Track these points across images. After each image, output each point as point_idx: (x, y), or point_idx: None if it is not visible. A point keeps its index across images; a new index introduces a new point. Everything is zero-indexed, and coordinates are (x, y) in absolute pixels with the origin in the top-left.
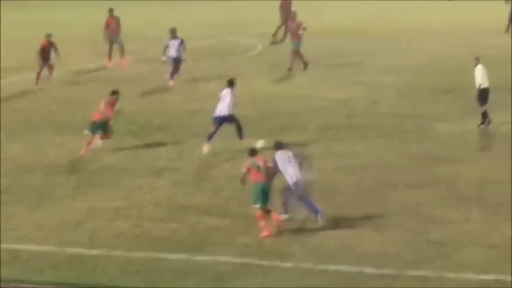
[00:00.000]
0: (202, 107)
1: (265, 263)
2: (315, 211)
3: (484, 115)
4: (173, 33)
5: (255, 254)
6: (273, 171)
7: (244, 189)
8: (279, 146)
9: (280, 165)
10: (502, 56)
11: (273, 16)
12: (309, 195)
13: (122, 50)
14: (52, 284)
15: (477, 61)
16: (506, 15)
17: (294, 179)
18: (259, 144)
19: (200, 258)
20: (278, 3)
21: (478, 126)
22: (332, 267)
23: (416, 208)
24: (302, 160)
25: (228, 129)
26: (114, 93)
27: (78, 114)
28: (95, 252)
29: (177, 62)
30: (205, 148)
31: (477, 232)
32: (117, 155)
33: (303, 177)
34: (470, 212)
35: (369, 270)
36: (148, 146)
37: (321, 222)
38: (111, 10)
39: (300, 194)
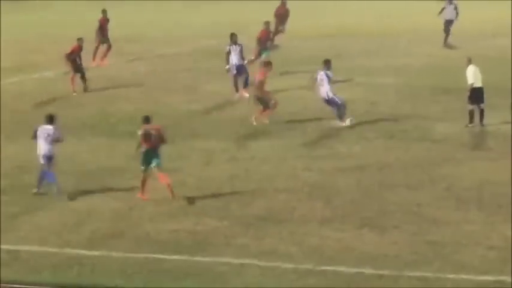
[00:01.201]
0: (202, 107)
1: (264, 263)
2: None
3: (471, 114)
4: (234, 39)
5: (254, 255)
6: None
7: (244, 190)
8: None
9: None
10: (502, 57)
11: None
12: None
13: (109, 50)
14: (52, 285)
15: (469, 61)
16: (507, 15)
17: None
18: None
19: (199, 259)
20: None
21: (466, 126)
22: (331, 268)
23: (416, 209)
24: None
25: (228, 129)
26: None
27: (77, 115)
28: (94, 253)
29: (240, 69)
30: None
31: (476, 233)
32: (116, 155)
33: None
34: (469, 213)
35: (368, 271)
36: None
37: None
38: (104, 11)
39: None
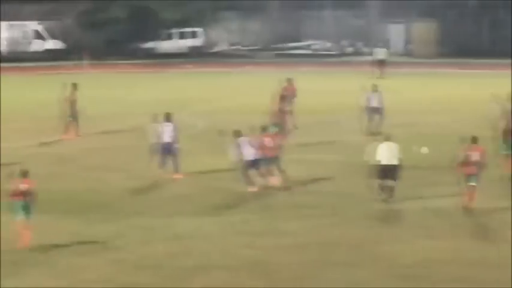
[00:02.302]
0: (142, 184)
1: None
2: None
3: (382, 189)
4: (167, 117)
5: None
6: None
7: (184, 267)
8: None
9: None
10: (439, 133)
11: (213, 94)
12: None
13: (77, 124)
14: None
15: (386, 138)
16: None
17: None
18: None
19: None
20: (218, 81)
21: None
22: None
23: (357, 287)
24: None
25: (168, 207)
26: None
27: None
28: None
29: (168, 149)
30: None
31: None
32: (55, 233)
33: None
34: None
35: None
36: (87, 224)
37: None
38: (75, 85)
39: None
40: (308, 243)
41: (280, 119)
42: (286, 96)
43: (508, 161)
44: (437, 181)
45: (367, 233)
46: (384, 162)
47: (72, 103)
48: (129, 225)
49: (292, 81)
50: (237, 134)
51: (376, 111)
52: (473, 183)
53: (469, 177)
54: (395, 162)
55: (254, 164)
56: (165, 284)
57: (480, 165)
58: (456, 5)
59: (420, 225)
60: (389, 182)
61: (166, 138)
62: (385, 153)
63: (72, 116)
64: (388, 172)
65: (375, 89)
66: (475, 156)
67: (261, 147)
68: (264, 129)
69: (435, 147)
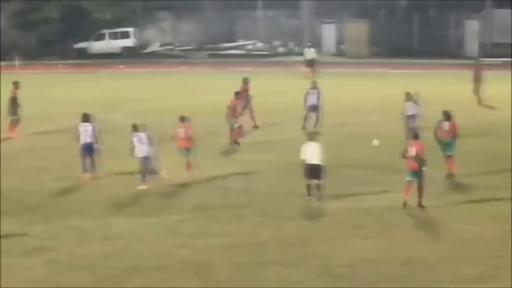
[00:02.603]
0: (75, 185)
1: None
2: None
3: (308, 188)
4: (85, 118)
5: None
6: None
7: (118, 268)
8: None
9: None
10: (371, 133)
11: (146, 95)
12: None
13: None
14: None
15: (310, 138)
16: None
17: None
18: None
19: None
20: (151, 82)
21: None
22: None
23: (291, 286)
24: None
25: (102, 207)
26: None
27: None
28: None
29: (89, 149)
30: None
31: None
32: None
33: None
34: None
35: None
36: (21, 224)
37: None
38: (16, 83)
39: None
40: (242, 243)
41: (234, 118)
42: (242, 95)
43: (445, 161)
44: (370, 180)
45: (301, 233)
46: (309, 161)
47: (13, 102)
48: (63, 226)
49: (247, 81)
50: (134, 128)
51: (314, 109)
52: (415, 178)
53: (411, 172)
54: (317, 162)
55: (144, 161)
56: (100, 284)
57: (420, 160)
58: (387, 5)
59: (353, 225)
60: (315, 181)
61: (87, 138)
62: (309, 153)
63: (14, 114)
64: (312, 171)
65: (313, 85)
66: (413, 152)
67: (174, 137)
68: (182, 119)
69: (367, 147)
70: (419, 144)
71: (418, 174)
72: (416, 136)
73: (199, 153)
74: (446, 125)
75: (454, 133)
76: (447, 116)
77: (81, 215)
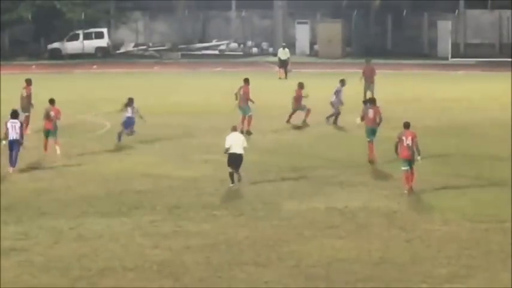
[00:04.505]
0: (49, 185)
1: None
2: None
3: (231, 175)
4: (13, 115)
5: None
6: None
7: (92, 269)
8: None
9: None
10: (350, 133)
11: (121, 95)
12: None
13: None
14: None
15: (233, 129)
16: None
17: None
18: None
19: None
20: (125, 82)
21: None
22: None
23: (264, 286)
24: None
25: (76, 208)
26: None
27: None
28: None
29: (13, 145)
30: None
31: None
32: None
33: None
34: None
35: None
36: None
37: None
38: (28, 80)
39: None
40: (216, 243)
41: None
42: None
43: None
44: (344, 181)
45: (274, 233)
46: (232, 150)
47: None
48: (36, 227)
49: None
50: (13, 115)
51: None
52: (408, 167)
53: (404, 161)
54: (240, 151)
55: (12, 145)
56: (73, 285)
57: (412, 149)
58: (361, 5)
59: (327, 225)
60: (235, 169)
61: (14, 135)
62: (233, 143)
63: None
64: (235, 160)
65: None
66: (408, 140)
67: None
68: (51, 102)
69: (340, 148)
70: (412, 132)
71: (411, 162)
72: (407, 125)
73: (172, 153)
74: (371, 112)
75: (378, 120)
76: (371, 102)
77: (54, 216)
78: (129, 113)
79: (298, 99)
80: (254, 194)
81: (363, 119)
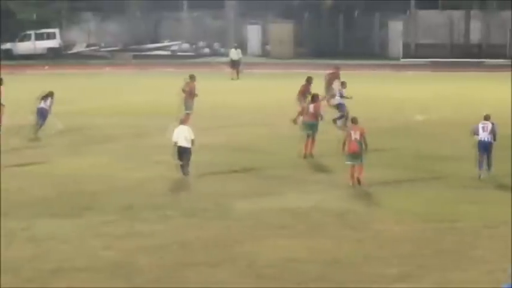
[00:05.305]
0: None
1: None
2: None
3: (182, 167)
4: None
5: None
6: None
7: (44, 270)
8: None
9: None
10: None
11: (73, 95)
12: None
13: None
14: None
15: (180, 122)
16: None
17: None
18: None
19: None
20: (77, 83)
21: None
22: None
23: (216, 287)
24: None
25: (27, 208)
26: None
27: None
28: None
29: None
30: None
31: None
32: None
33: None
34: None
35: None
36: None
37: None
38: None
39: None
40: (168, 244)
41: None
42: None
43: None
44: (296, 180)
45: (226, 233)
46: (179, 144)
47: None
48: None
49: (194, 78)
50: None
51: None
52: (357, 162)
53: (352, 156)
54: (187, 145)
55: None
56: (25, 286)
57: (361, 144)
58: (312, 6)
59: (279, 225)
60: (184, 162)
61: None
62: (180, 136)
63: None
64: (182, 153)
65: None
66: (356, 135)
67: None
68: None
69: (292, 148)
70: (360, 128)
71: (359, 157)
72: (355, 120)
73: (124, 153)
74: (311, 108)
75: (317, 115)
76: (313, 98)
77: (6, 216)
78: (43, 104)
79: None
80: (206, 194)
81: (301, 114)
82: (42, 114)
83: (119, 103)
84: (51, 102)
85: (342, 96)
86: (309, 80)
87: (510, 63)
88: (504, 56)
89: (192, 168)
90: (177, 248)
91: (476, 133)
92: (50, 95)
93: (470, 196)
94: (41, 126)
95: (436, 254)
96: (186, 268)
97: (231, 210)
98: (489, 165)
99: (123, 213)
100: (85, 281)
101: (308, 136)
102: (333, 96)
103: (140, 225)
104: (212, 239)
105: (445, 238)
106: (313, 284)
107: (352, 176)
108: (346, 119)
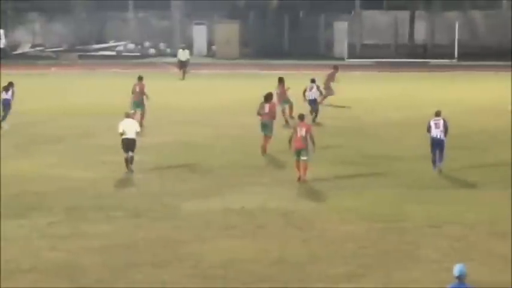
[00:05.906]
0: None
1: None
2: None
3: (127, 161)
4: None
5: None
6: None
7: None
8: None
9: None
10: (248, 134)
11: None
12: None
13: None
14: None
15: (127, 116)
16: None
17: None
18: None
19: None
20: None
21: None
22: None
23: (162, 287)
24: None
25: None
26: None
27: None
28: None
29: None
30: None
31: None
32: None
33: None
34: None
35: None
36: None
37: None
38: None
39: None
40: (113, 244)
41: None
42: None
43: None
44: (242, 181)
45: (172, 234)
46: (125, 136)
47: None
48: None
49: (141, 79)
50: None
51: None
52: (303, 158)
53: (298, 151)
54: (133, 136)
55: None
56: None
57: (307, 140)
58: (258, 6)
59: (225, 225)
60: (130, 154)
61: None
62: (126, 129)
63: None
64: (128, 145)
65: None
66: (302, 131)
67: None
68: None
69: (238, 149)
70: (307, 124)
71: (304, 152)
72: (302, 117)
73: (70, 154)
74: (266, 107)
75: (273, 115)
76: (267, 98)
77: None
78: (6, 95)
79: (282, 95)
80: (152, 195)
81: (259, 113)
82: (8, 105)
83: (65, 103)
84: (13, 92)
85: (321, 93)
86: (281, 80)
87: (456, 63)
88: (449, 56)
89: (138, 168)
90: (122, 248)
91: (428, 130)
92: (10, 85)
93: (414, 196)
94: (5, 116)
95: (381, 253)
96: (131, 269)
97: (177, 210)
98: (440, 161)
99: (68, 214)
100: (30, 282)
101: (265, 135)
102: (331, 94)
103: (86, 226)
104: (158, 239)
105: (389, 238)
106: (259, 284)
107: (298, 170)
108: (316, 115)
